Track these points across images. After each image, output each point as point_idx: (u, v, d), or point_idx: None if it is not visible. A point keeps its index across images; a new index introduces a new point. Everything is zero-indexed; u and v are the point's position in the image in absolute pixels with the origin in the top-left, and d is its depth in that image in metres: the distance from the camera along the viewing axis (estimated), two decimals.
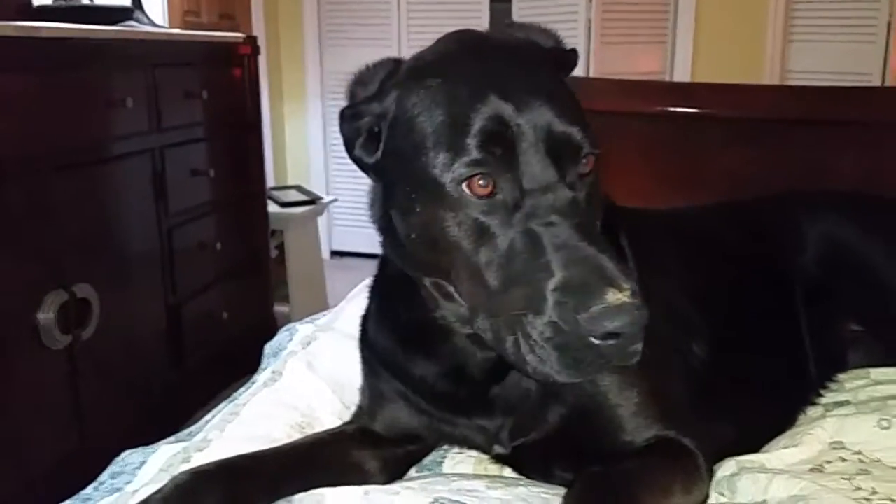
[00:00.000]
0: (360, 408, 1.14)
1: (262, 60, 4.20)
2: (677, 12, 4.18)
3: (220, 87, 2.82)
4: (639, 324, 0.73)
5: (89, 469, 1.11)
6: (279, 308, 3.37)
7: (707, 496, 0.96)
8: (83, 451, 2.06)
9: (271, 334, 1.52)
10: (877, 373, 1.27)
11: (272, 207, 3.34)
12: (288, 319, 3.04)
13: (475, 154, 0.79)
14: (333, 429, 1.13)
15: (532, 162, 0.79)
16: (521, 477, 1.07)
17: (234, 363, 1.67)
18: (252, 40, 2.99)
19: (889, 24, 3.94)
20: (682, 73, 4.18)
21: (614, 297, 0.72)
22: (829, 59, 4.01)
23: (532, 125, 0.80)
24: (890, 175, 2.03)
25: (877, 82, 3.95)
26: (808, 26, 4.07)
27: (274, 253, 3.38)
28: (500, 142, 0.79)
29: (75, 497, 1.03)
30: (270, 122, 4.56)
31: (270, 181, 4.20)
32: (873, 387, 1.22)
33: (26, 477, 1.93)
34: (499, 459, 1.08)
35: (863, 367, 1.30)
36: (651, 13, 4.23)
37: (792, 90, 3.12)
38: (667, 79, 4.13)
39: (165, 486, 0.90)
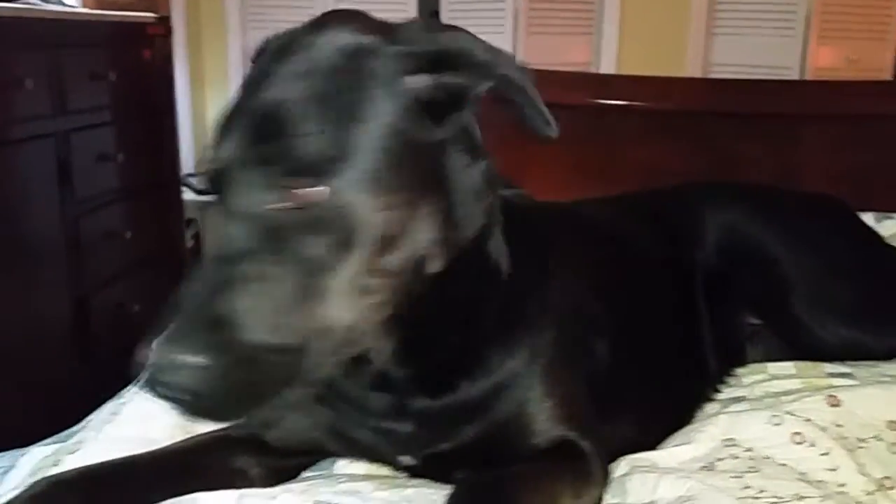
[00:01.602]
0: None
1: (181, 41, 4.05)
2: (603, 3, 4.18)
3: (130, 69, 2.70)
4: None
5: None
6: None
7: (600, 499, 0.93)
8: None
9: None
10: (774, 367, 1.26)
11: (188, 195, 3.23)
12: None
13: None
14: (217, 431, 1.02)
15: None
16: (415, 478, 1.03)
17: None
18: (164, 20, 2.89)
19: (807, 17, 4.01)
20: (608, 64, 4.19)
21: None
22: (751, 52, 4.07)
23: None
24: (806, 167, 2.05)
25: (796, 75, 4.02)
26: (731, 19, 4.11)
27: (190, 242, 3.28)
28: None
29: None
30: (191, 105, 4.41)
31: (190, 167, 4.07)
32: (769, 382, 1.21)
33: None
34: (406, 470, 1.02)
35: (761, 361, 1.30)
36: (578, 4, 4.23)
37: (709, 83, 3.16)
38: (594, 70, 4.14)
39: (17, 497, 0.84)
